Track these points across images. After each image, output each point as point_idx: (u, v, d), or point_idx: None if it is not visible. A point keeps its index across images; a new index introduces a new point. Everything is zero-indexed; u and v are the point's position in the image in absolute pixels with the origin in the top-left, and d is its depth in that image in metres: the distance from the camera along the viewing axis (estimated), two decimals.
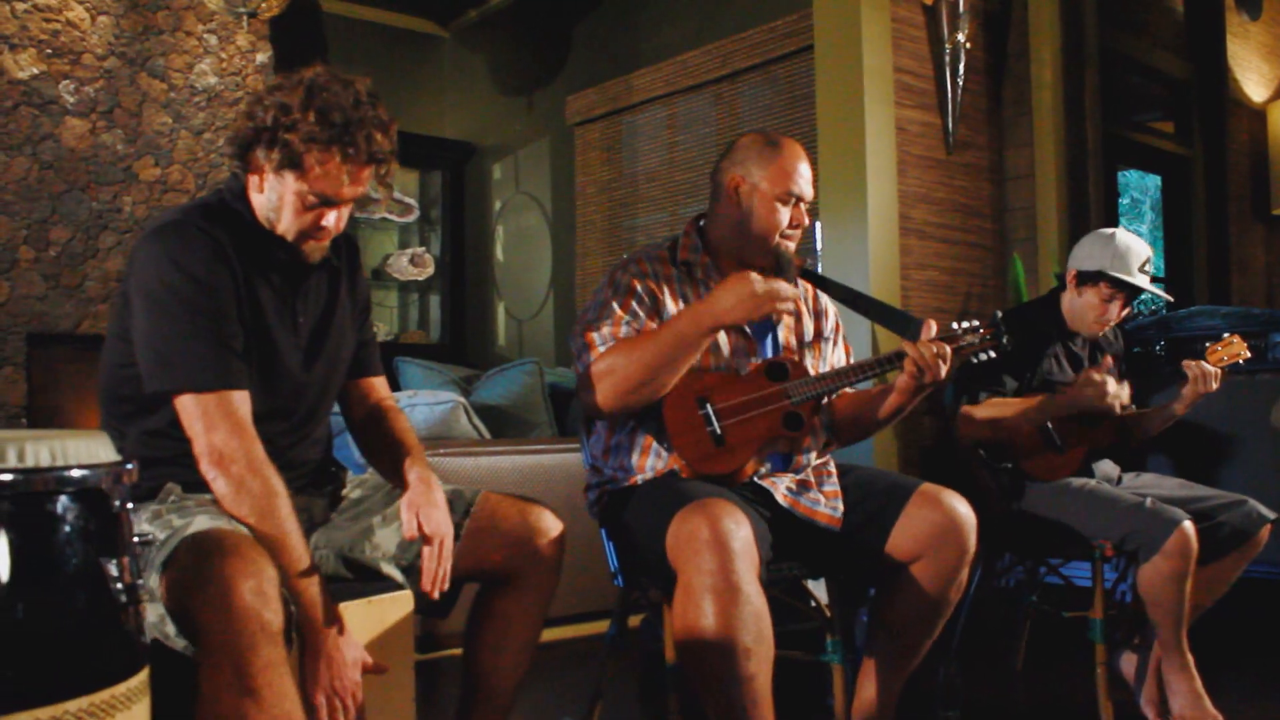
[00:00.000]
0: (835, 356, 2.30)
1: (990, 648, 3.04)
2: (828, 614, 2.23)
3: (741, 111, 4.97)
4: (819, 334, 2.28)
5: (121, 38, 4.71)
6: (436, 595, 1.74)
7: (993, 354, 2.07)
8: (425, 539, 1.73)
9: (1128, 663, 2.65)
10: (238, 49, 5.07)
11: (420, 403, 3.30)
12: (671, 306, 2.12)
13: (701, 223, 2.25)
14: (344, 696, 1.58)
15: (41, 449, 1.10)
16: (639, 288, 2.10)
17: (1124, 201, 6.11)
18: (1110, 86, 4.56)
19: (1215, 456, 3.50)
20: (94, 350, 4.62)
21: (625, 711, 2.74)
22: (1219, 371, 2.61)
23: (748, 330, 2.16)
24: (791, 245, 2.16)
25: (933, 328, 2.04)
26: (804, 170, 2.15)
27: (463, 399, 3.34)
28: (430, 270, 6.21)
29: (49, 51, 4.51)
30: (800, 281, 2.25)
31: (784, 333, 2.22)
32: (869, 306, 2.19)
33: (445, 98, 6.56)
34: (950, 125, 3.90)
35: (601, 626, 3.22)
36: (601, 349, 2.04)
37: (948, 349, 2.02)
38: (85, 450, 1.15)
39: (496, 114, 6.31)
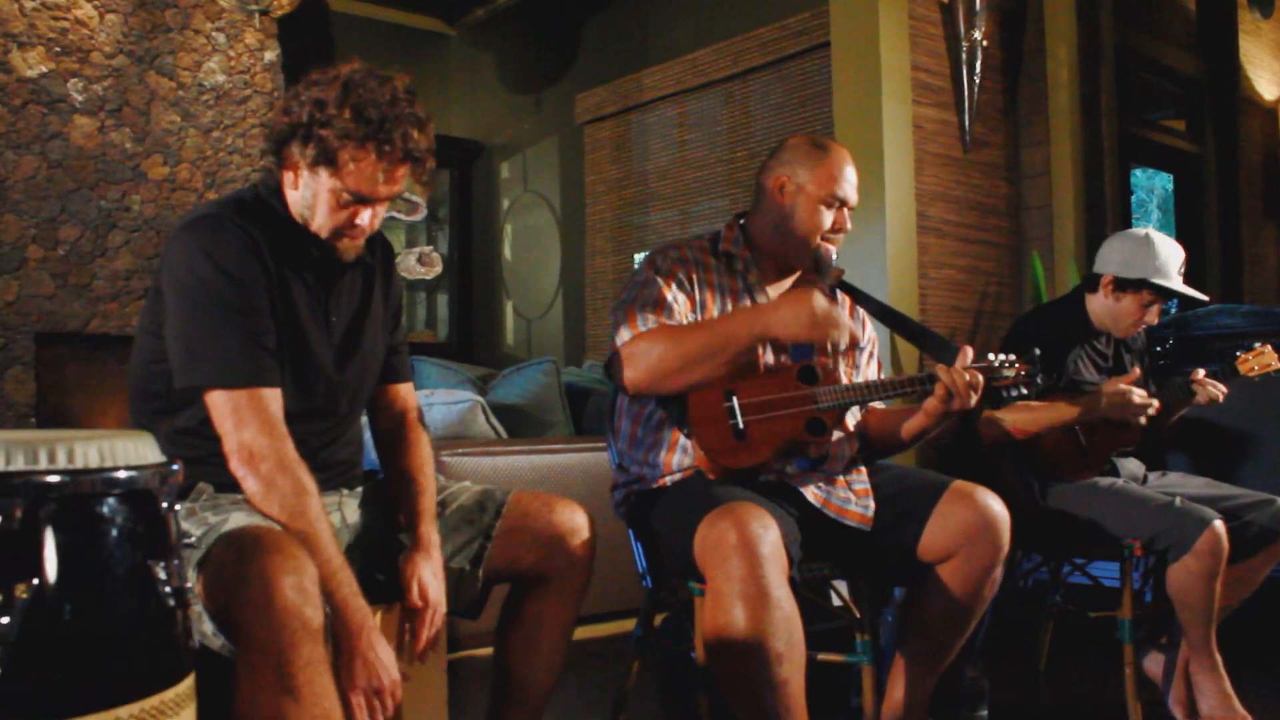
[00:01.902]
0: (869, 370, 2.28)
1: (1013, 647, 3.02)
2: (856, 614, 2.21)
3: (752, 110, 4.96)
4: (854, 342, 2.26)
5: (130, 36, 4.68)
6: (417, 662, 1.72)
7: (1024, 390, 2.04)
8: (421, 606, 1.71)
9: (1155, 663, 2.64)
10: (246, 47, 5.04)
11: (438, 401, 3.28)
12: (708, 296, 2.12)
13: (743, 220, 2.25)
14: (383, 696, 1.56)
15: (90, 449, 1.08)
16: (680, 273, 2.11)
17: (1131, 200, 6.10)
18: (1123, 84, 4.55)
19: (1236, 455, 3.48)
20: (103, 350, 4.60)
21: (650, 711, 2.72)
22: (1222, 394, 2.62)
23: None
24: (833, 249, 2.15)
25: (969, 354, 2.02)
26: (850, 175, 2.14)
27: (480, 398, 3.32)
28: (438, 269, 6.16)
29: (57, 49, 4.49)
30: (838, 293, 2.23)
31: None
32: (904, 326, 2.16)
33: (453, 96, 6.55)
34: (967, 123, 3.89)
35: (622, 626, 3.20)
36: (643, 329, 2.02)
37: (980, 379, 2.00)
38: (133, 451, 1.13)
39: (504, 112, 6.30)
